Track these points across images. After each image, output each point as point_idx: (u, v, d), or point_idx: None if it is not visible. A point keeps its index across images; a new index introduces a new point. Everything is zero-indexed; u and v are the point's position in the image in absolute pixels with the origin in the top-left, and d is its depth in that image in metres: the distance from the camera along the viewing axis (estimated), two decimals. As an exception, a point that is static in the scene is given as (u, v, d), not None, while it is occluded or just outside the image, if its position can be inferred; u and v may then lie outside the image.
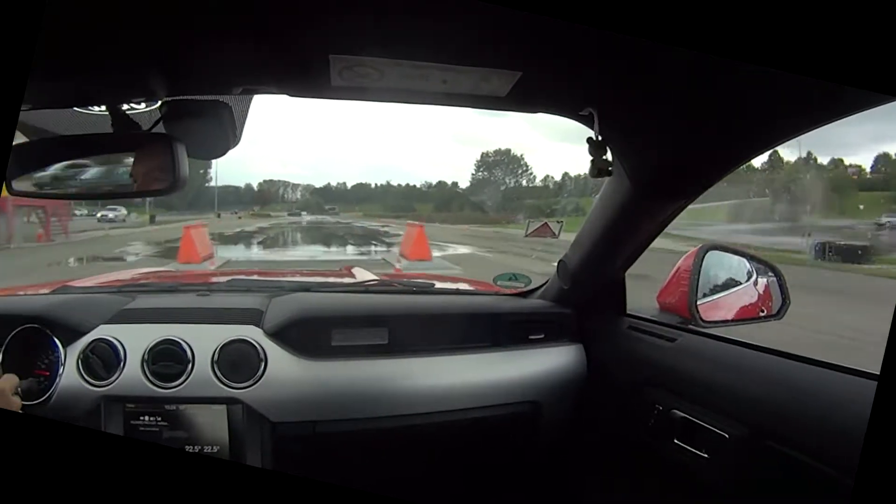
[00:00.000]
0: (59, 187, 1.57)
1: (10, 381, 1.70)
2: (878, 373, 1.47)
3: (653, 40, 1.21)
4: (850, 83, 1.21)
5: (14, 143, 1.44)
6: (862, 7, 1.16)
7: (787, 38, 1.18)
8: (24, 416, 1.58)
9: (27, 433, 1.24)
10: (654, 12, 1.19)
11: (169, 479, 1.24)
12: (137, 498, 1.22)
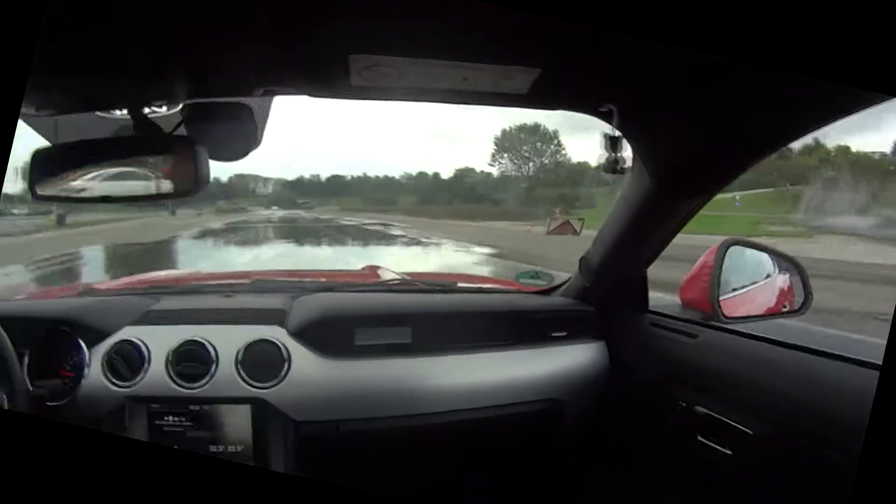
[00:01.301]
0: (83, 192, 1.59)
1: None
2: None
3: (665, 43, 1.21)
4: (875, 88, 1.22)
5: (37, 147, 1.46)
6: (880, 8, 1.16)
7: (803, 40, 1.19)
8: (43, 421, 1.60)
9: (46, 438, 1.25)
10: (665, 15, 1.19)
11: (189, 485, 1.25)
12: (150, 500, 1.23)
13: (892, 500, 1.15)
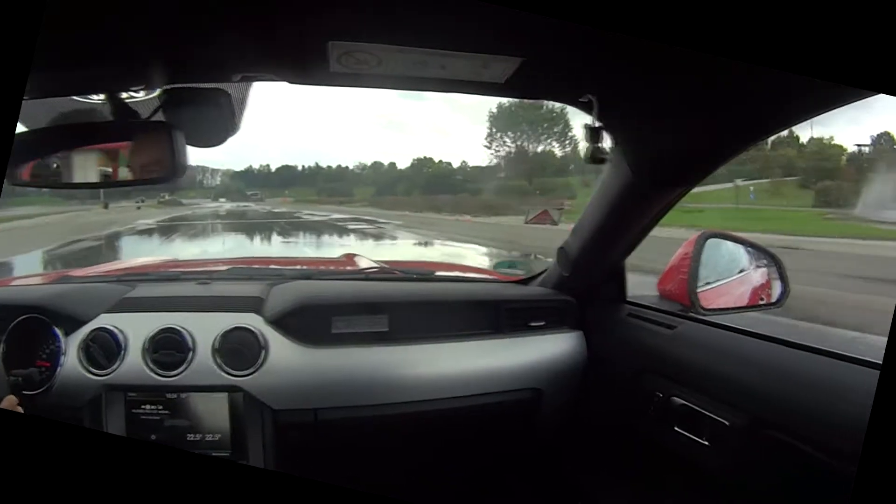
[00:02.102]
0: (58, 177, 1.57)
1: (9, 401, 1.68)
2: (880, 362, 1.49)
3: (649, 39, 1.21)
4: (855, 83, 1.22)
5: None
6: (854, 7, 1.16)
7: (784, 36, 1.19)
8: (21, 416, 1.58)
9: (24, 432, 1.24)
10: (650, 12, 1.19)
11: (167, 480, 1.24)
12: (135, 498, 1.22)
13: (893, 500, 1.16)
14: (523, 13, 1.30)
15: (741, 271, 2.40)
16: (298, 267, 3.06)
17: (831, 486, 1.53)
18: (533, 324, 2.49)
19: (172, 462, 1.26)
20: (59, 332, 2.12)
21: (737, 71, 1.42)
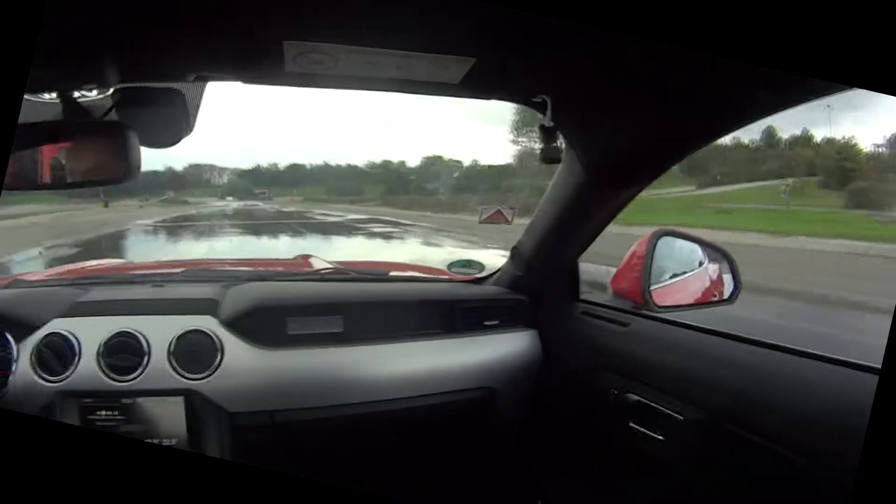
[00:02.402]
0: (7, 178, 1.55)
1: None
2: (830, 356, 1.53)
3: (598, 28, 1.23)
4: (809, 73, 1.24)
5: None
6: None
7: (743, 28, 1.21)
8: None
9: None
10: (615, 4, 1.21)
11: (129, 471, 1.24)
12: (99, 490, 1.21)
13: (893, 500, 1.18)
14: (476, 14, 1.31)
15: (694, 269, 2.43)
16: (253, 269, 3.04)
17: (785, 478, 1.56)
18: (487, 323, 2.50)
19: (155, 456, 1.26)
20: (10, 338, 2.08)
21: (689, 68, 1.45)
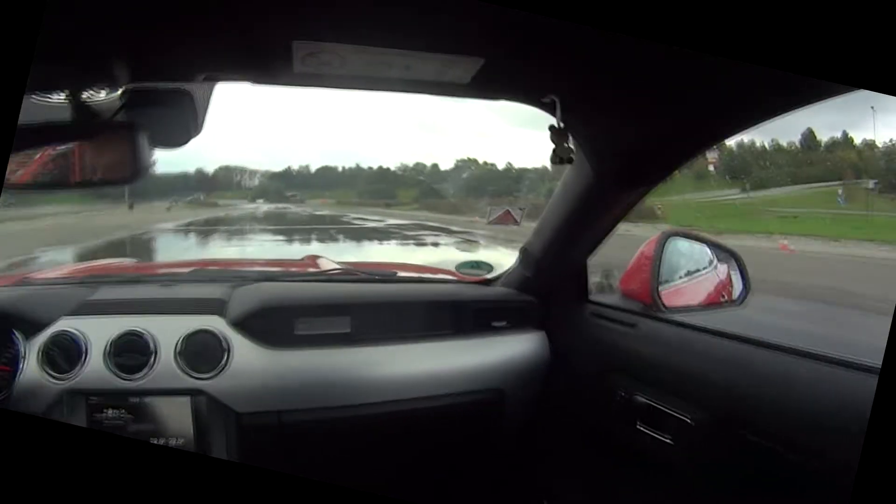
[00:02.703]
0: (16, 179, 1.55)
1: None
2: (840, 357, 1.51)
3: (608, 30, 1.23)
4: (820, 75, 1.24)
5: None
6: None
7: (749, 30, 1.20)
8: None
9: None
10: (622, 6, 1.20)
11: (135, 474, 1.24)
12: (106, 492, 1.21)
13: (892, 500, 1.18)
14: (486, 14, 1.31)
15: (703, 270, 2.42)
16: (261, 269, 3.04)
17: (794, 480, 1.55)
18: (495, 324, 2.49)
19: (135, 454, 1.26)
20: (18, 336, 2.09)
21: (698, 69, 1.44)
